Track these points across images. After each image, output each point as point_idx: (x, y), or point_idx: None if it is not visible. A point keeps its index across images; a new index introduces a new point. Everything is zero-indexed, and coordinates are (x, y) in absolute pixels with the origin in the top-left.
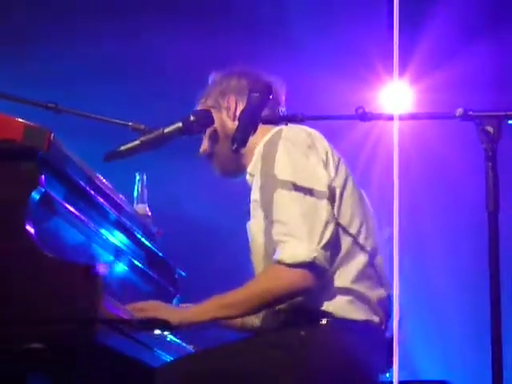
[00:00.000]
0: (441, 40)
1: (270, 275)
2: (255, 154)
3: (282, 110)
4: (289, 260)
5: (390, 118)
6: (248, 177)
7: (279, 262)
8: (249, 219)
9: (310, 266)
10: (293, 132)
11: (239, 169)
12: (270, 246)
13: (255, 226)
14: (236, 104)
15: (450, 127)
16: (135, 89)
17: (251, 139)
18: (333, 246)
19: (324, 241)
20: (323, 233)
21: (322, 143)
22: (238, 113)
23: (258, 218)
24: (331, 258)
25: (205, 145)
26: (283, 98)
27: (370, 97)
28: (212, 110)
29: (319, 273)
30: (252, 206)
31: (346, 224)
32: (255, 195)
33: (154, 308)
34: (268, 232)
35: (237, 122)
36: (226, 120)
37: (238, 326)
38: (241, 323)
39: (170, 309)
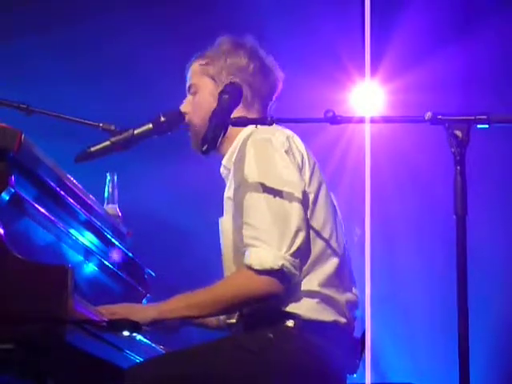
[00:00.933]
0: (412, 41)
1: (237, 280)
2: (233, 145)
3: (273, 106)
4: (257, 266)
5: (361, 121)
6: (222, 169)
7: (248, 267)
8: (222, 214)
9: (277, 273)
10: (271, 133)
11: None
12: (241, 246)
13: (227, 223)
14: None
15: (420, 130)
16: (107, 89)
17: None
18: (303, 252)
19: (293, 248)
20: (293, 240)
21: (299, 148)
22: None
23: (230, 216)
24: (301, 264)
25: (187, 107)
26: (278, 91)
27: (341, 97)
28: (208, 78)
29: (287, 280)
30: (226, 202)
31: (319, 228)
32: (229, 192)
33: (121, 309)
34: (239, 232)
35: None
36: (216, 97)
37: (208, 325)
38: (208, 322)
39: (136, 308)
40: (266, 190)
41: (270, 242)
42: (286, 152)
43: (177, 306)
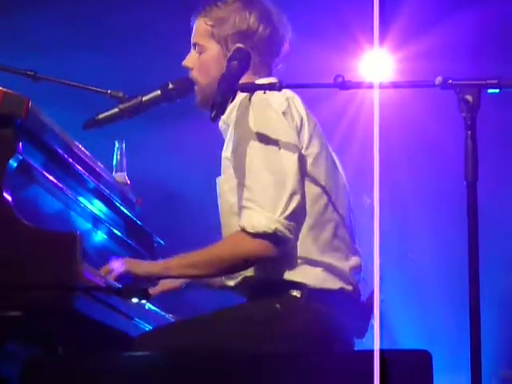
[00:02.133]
0: (420, 9)
1: (232, 241)
2: (234, 102)
3: (279, 66)
4: (250, 229)
5: (370, 87)
6: (221, 123)
7: (242, 229)
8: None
9: (270, 236)
10: (271, 94)
11: None
12: (237, 206)
13: (225, 184)
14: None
15: (430, 96)
16: (114, 57)
17: None
18: (298, 215)
19: (288, 211)
20: (288, 203)
21: (299, 109)
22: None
23: (228, 176)
24: (297, 227)
25: (192, 62)
26: (286, 50)
27: (349, 65)
28: (214, 43)
29: (281, 243)
30: (223, 162)
31: (318, 190)
32: (226, 152)
33: (124, 263)
34: (236, 192)
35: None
36: (222, 62)
37: (213, 285)
38: (217, 284)
39: (139, 262)
40: (263, 151)
41: (264, 205)
42: (284, 113)
43: (177, 264)
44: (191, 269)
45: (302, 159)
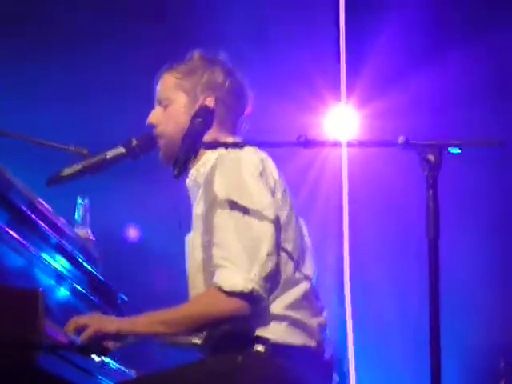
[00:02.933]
0: (386, 66)
1: (206, 299)
2: (201, 159)
3: (246, 126)
4: (227, 288)
5: (333, 145)
6: (188, 181)
7: (217, 288)
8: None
9: (246, 295)
10: (247, 154)
11: None
12: (209, 264)
13: (195, 241)
14: (213, 105)
15: (394, 154)
16: (81, 112)
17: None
18: (273, 276)
19: (264, 272)
20: (265, 264)
21: (272, 171)
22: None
23: (198, 233)
24: (270, 288)
25: (157, 118)
26: (249, 111)
27: (315, 121)
28: (182, 93)
29: (255, 303)
30: (194, 218)
31: (289, 253)
32: (198, 209)
33: (93, 319)
34: (208, 251)
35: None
36: (191, 111)
37: (178, 343)
38: (182, 341)
39: (109, 318)
40: (237, 210)
41: (240, 264)
42: (260, 174)
43: (147, 321)
44: (161, 326)
45: (276, 221)
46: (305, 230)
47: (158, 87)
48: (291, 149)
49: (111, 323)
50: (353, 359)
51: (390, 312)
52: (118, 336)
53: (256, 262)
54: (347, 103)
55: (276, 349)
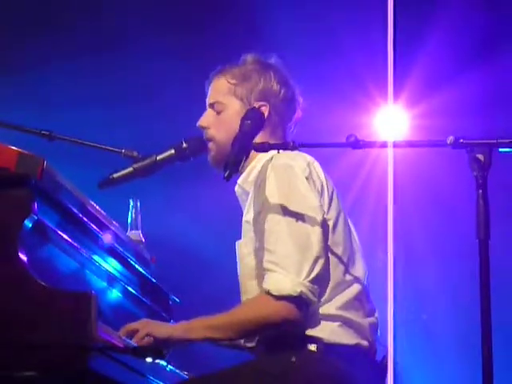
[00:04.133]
0: (435, 66)
1: (255, 304)
2: (250, 165)
3: (294, 130)
4: (275, 292)
5: (383, 146)
6: (237, 188)
7: (266, 292)
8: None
9: (295, 299)
10: (292, 159)
11: None
12: (260, 270)
13: (245, 247)
14: (268, 114)
15: (443, 154)
16: (131, 114)
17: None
18: (322, 279)
19: (312, 275)
20: (313, 267)
21: (319, 174)
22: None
23: (248, 239)
24: (319, 291)
25: (209, 121)
26: (299, 116)
27: (364, 121)
28: (236, 100)
29: (304, 306)
30: (244, 226)
31: (338, 255)
32: (247, 216)
33: (144, 325)
34: (259, 256)
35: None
36: None
37: (235, 345)
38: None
39: (160, 324)
40: (287, 214)
41: (288, 268)
42: (307, 178)
43: (198, 326)
44: (212, 332)
45: (324, 224)
46: (354, 232)
47: (211, 90)
48: (339, 150)
49: (163, 328)
50: (391, 359)
51: (439, 313)
52: (169, 341)
53: (305, 265)
54: (396, 103)
55: (328, 348)
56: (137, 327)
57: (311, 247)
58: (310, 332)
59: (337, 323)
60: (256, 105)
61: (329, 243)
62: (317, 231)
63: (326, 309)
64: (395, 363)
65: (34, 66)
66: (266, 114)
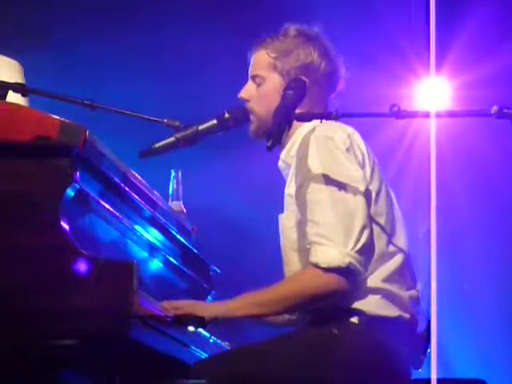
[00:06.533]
0: (478, 36)
1: (304, 278)
2: (292, 139)
3: (336, 102)
4: (324, 264)
5: (425, 116)
6: (280, 162)
7: (314, 265)
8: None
9: (344, 270)
10: (333, 131)
11: None
12: (303, 243)
13: (288, 221)
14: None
15: (486, 124)
16: (171, 86)
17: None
18: (368, 249)
19: (359, 245)
20: (359, 237)
21: (360, 145)
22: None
23: (290, 212)
24: (366, 261)
25: (249, 94)
26: (341, 87)
27: (406, 93)
28: (276, 74)
29: (353, 277)
30: (286, 199)
31: (381, 225)
32: (289, 189)
33: (187, 305)
34: (302, 229)
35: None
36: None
37: (272, 323)
38: (272, 319)
39: (203, 305)
40: (330, 186)
41: (335, 240)
42: (348, 150)
43: (243, 304)
44: (259, 308)
45: (368, 193)
46: (396, 203)
47: (252, 62)
48: (381, 121)
49: (206, 310)
50: (435, 332)
51: (480, 285)
52: (216, 321)
53: (351, 236)
54: (438, 75)
55: (371, 320)
56: (180, 305)
57: (356, 217)
58: (352, 304)
59: (379, 296)
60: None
61: (372, 213)
62: (361, 201)
63: (369, 281)
64: (438, 334)
65: (76, 40)
66: (306, 82)
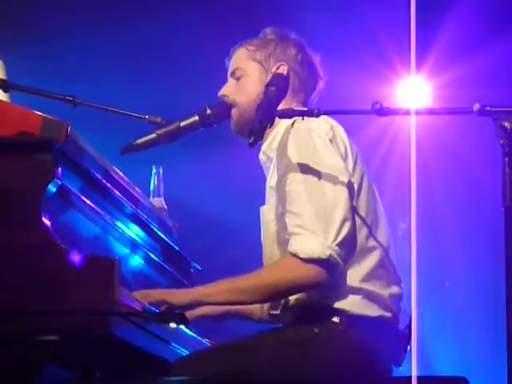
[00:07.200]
0: (458, 35)
1: (283, 267)
2: (273, 132)
3: (315, 99)
4: (304, 255)
5: (407, 113)
6: (261, 155)
7: (293, 255)
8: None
9: (324, 262)
10: (315, 122)
11: None
12: (283, 235)
13: (269, 213)
14: (286, 74)
15: (467, 123)
16: (154, 85)
17: None
18: (349, 242)
19: (340, 238)
20: (340, 230)
21: (342, 137)
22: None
23: (272, 205)
24: (346, 254)
25: (229, 90)
26: (321, 85)
27: (387, 92)
28: (255, 63)
29: (332, 269)
30: (267, 191)
31: (362, 219)
32: (271, 182)
33: (158, 293)
34: (282, 221)
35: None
36: (263, 80)
37: (251, 317)
38: (257, 315)
39: (174, 291)
40: (311, 176)
41: (315, 231)
42: (331, 141)
43: (219, 289)
44: (235, 295)
45: (350, 186)
46: (378, 197)
47: (231, 62)
48: (362, 118)
49: (181, 296)
50: (415, 331)
51: (461, 283)
52: (191, 307)
53: (332, 227)
54: (418, 74)
55: (352, 320)
56: (150, 293)
57: (337, 209)
58: (333, 304)
59: (359, 296)
60: (274, 66)
61: (355, 203)
62: (342, 192)
63: (350, 280)
64: (418, 332)
65: (58, 36)
66: (285, 74)
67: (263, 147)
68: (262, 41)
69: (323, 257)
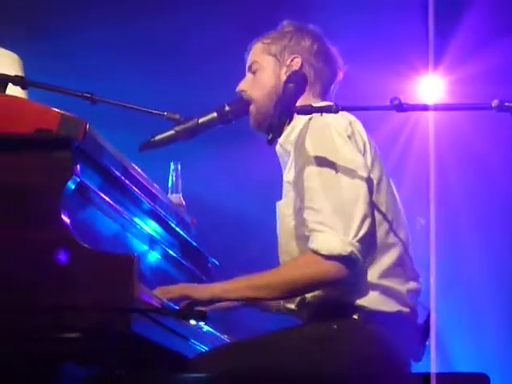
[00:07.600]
0: (475, 32)
1: (303, 263)
2: (290, 125)
3: (334, 91)
4: (325, 251)
5: (425, 109)
6: (278, 147)
7: (314, 252)
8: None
9: (345, 259)
10: (334, 118)
11: None
12: (301, 230)
13: (286, 208)
14: (300, 67)
15: (485, 119)
16: (172, 82)
17: None
18: (369, 238)
19: (360, 234)
20: (360, 226)
21: (361, 133)
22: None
23: (289, 200)
24: (366, 251)
25: (246, 84)
26: (340, 76)
27: (404, 89)
28: (270, 57)
29: (353, 266)
30: (285, 186)
31: (381, 215)
32: (288, 176)
33: (178, 288)
34: (300, 216)
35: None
36: (281, 76)
37: (269, 308)
38: (275, 306)
39: (195, 286)
40: (330, 170)
41: (336, 228)
42: (349, 137)
43: (239, 285)
44: (255, 291)
45: (370, 182)
46: (396, 193)
47: (249, 56)
48: (380, 114)
49: (201, 291)
50: (434, 326)
51: (479, 278)
52: (211, 303)
53: (352, 223)
54: (435, 71)
55: (370, 316)
56: (171, 289)
57: (357, 204)
58: (351, 300)
59: (377, 292)
60: (289, 59)
61: (375, 199)
62: (362, 187)
63: (368, 276)
64: (437, 328)
65: (73, 33)
66: (298, 66)
67: (280, 139)
68: (279, 33)
69: (344, 253)
